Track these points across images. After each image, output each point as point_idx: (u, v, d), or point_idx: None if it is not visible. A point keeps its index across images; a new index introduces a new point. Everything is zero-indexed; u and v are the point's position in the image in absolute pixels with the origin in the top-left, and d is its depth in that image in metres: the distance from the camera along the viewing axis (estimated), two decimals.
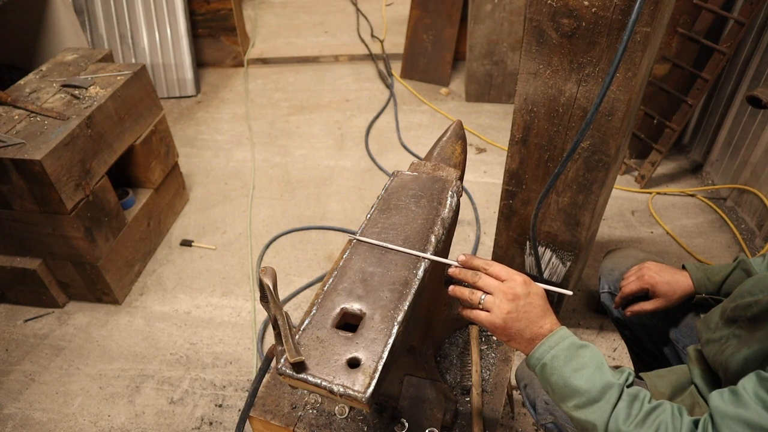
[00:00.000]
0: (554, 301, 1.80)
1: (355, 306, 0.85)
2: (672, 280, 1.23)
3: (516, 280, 0.86)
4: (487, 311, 0.85)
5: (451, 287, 0.90)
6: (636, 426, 0.77)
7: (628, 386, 0.83)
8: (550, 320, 0.86)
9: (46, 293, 2.13)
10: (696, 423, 0.77)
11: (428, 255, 0.92)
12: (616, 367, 0.87)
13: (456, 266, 0.90)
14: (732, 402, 0.75)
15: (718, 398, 0.78)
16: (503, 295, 0.84)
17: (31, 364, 1.99)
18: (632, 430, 0.77)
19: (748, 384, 0.76)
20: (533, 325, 0.85)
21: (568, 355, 0.83)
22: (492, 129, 3.18)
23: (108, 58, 2.38)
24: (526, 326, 0.84)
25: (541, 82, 1.34)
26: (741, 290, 1.01)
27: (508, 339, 0.86)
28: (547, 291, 0.90)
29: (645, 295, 1.28)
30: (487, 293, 0.85)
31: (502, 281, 0.86)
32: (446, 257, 1.13)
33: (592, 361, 0.83)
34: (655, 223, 2.47)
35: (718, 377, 1.01)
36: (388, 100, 3.47)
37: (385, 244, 0.94)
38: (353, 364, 0.78)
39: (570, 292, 0.89)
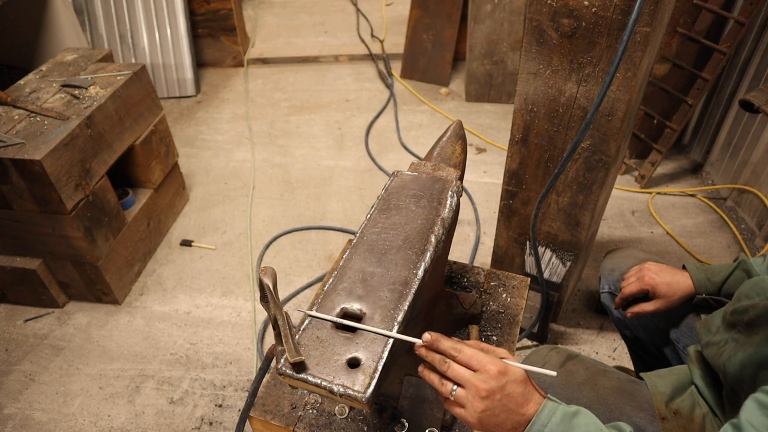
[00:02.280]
0: (554, 301, 1.80)
1: (355, 306, 0.85)
2: (672, 281, 1.23)
3: (489, 371, 0.74)
4: (460, 406, 0.75)
5: (420, 368, 0.80)
6: None
7: None
8: (534, 401, 0.76)
9: (46, 293, 2.13)
10: None
11: (392, 333, 0.79)
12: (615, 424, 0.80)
13: (420, 344, 0.78)
14: None
15: None
16: (476, 391, 0.73)
17: (31, 364, 1.99)
18: None
19: (752, 416, 0.73)
20: (514, 414, 0.74)
21: (565, 429, 0.74)
22: (492, 129, 3.18)
23: (108, 58, 2.38)
24: (506, 418, 0.74)
25: (541, 82, 1.34)
26: (739, 293, 1.01)
27: (489, 431, 0.76)
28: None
29: (645, 295, 1.28)
30: (459, 385, 0.75)
31: (475, 371, 0.74)
32: (446, 257, 1.13)
33: (590, 429, 0.75)
34: (655, 223, 2.47)
35: (719, 378, 1.01)
36: (388, 100, 3.47)
37: (335, 320, 0.82)
38: (353, 364, 0.78)
39: (554, 373, 0.77)
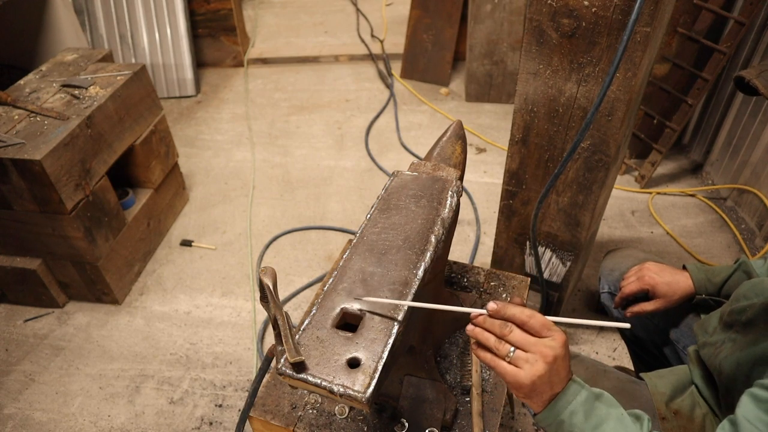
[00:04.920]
0: (554, 301, 1.80)
1: (355, 306, 0.85)
2: (672, 281, 1.23)
3: (558, 339, 0.75)
4: (515, 366, 0.75)
5: (470, 327, 0.80)
6: None
7: None
8: (569, 372, 0.79)
9: (46, 293, 2.13)
10: None
11: (452, 307, 0.83)
12: (633, 411, 0.81)
13: (482, 314, 0.79)
14: None
15: None
16: (541, 356, 0.74)
17: (31, 364, 1.99)
18: None
19: (747, 411, 0.74)
20: (555, 386, 0.77)
21: (587, 409, 0.76)
22: (492, 129, 3.18)
23: (108, 58, 2.38)
24: (549, 387, 0.76)
25: (541, 82, 1.34)
26: (737, 294, 1.01)
27: (525, 397, 0.77)
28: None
29: (645, 295, 1.28)
30: (519, 348, 0.75)
31: (541, 337, 0.75)
32: (446, 257, 1.13)
33: (611, 413, 0.77)
34: (655, 223, 2.47)
35: None
36: (388, 100, 3.47)
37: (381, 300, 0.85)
38: (353, 364, 0.78)
39: (628, 325, 0.76)
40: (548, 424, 0.78)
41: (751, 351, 0.88)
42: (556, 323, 0.77)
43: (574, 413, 0.76)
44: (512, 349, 0.75)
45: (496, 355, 0.77)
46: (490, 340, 0.77)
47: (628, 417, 0.77)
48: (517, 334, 0.75)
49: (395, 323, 0.82)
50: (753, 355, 0.87)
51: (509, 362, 0.75)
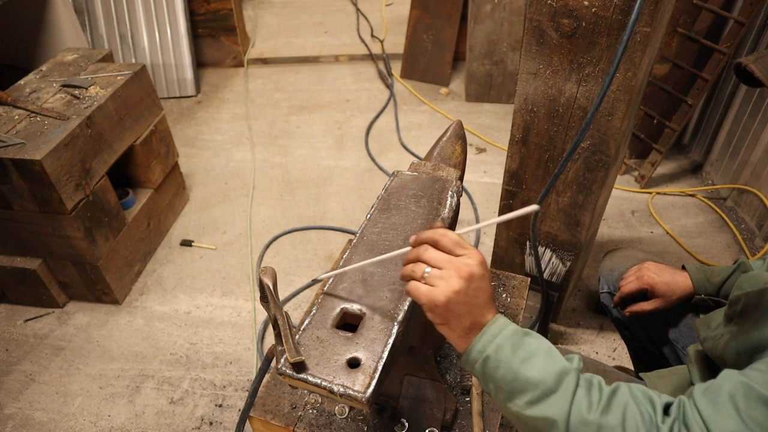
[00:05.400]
0: (554, 301, 1.80)
1: (355, 306, 0.85)
2: (671, 281, 1.23)
3: (474, 257, 0.72)
4: (430, 285, 0.72)
5: (401, 273, 0.78)
6: (602, 413, 0.67)
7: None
8: (492, 310, 0.75)
9: (46, 293, 2.13)
10: (666, 408, 0.69)
11: (383, 256, 0.85)
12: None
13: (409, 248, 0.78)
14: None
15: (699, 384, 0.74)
16: (456, 271, 0.71)
17: (31, 364, 1.99)
18: (598, 419, 0.67)
19: (727, 374, 0.73)
20: (476, 312, 0.73)
21: (515, 343, 0.72)
22: (492, 129, 3.18)
23: (108, 58, 2.38)
24: (468, 312, 0.72)
25: (541, 82, 1.34)
26: (734, 288, 1.01)
27: (443, 322, 0.74)
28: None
29: (644, 295, 1.28)
30: (435, 267, 0.73)
31: (457, 255, 0.73)
32: None
33: (541, 347, 0.73)
34: (655, 223, 2.47)
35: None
36: (388, 100, 3.47)
37: (351, 267, 0.89)
38: (353, 364, 0.78)
39: (537, 207, 0.75)
40: (474, 361, 0.74)
41: (748, 338, 0.88)
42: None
43: (500, 347, 0.72)
44: (427, 269, 0.73)
45: (413, 279, 0.74)
46: (408, 267, 0.76)
47: (558, 352, 0.74)
48: (431, 253, 0.73)
49: (395, 323, 0.82)
50: (750, 342, 0.88)
51: (425, 283, 0.73)
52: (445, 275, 0.71)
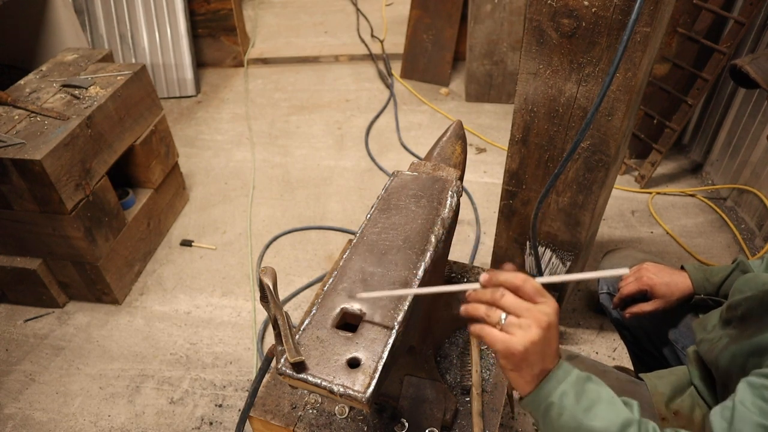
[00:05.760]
0: (556, 297, 1.80)
1: (355, 306, 0.85)
2: (671, 281, 1.23)
3: (552, 306, 0.71)
4: (507, 333, 0.71)
5: (463, 307, 0.75)
6: None
7: None
8: (558, 354, 0.75)
9: (46, 293, 2.13)
10: None
11: (444, 287, 0.80)
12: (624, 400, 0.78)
13: (477, 288, 0.75)
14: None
15: (719, 419, 0.74)
16: (535, 321, 0.70)
17: (31, 364, 1.99)
18: None
19: (743, 396, 0.73)
20: (548, 359, 0.72)
21: (578, 390, 0.73)
22: (492, 129, 3.18)
23: (108, 58, 2.38)
24: (540, 360, 0.72)
25: (541, 82, 1.34)
26: (733, 290, 1.01)
27: (514, 369, 0.73)
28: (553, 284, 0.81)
29: (644, 296, 1.28)
30: (513, 314, 0.71)
31: (535, 303, 0.72)
32: (446, 257, 1.13)
33: (602, 395, 0.73)
34: (655, 223, 2.47)
35: None
36: (388, 100, 3.47)
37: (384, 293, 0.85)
38: (353, 364, 0.78)
39: (626, 270, 0.72)
40: (537, 405, 0.74)
41: (746, 343, 0.88)
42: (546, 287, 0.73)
43: (564, 394, 0.72)
44: (504, 315, 0.71)
45: (486, 323, 0.72)
46: (480, 309, 0.73)
47: (619, 400, 0.75)
48: (509, 299, 0.71)
49: (395, 323, 0.82)
50: (748, 347, 0.88)
51: (500, 329, 0.71)
52: (524, 324, 0.70)
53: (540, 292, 0.72)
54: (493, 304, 0.73)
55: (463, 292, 0.77)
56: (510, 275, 0.73)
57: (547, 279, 0.74)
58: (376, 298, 0.85)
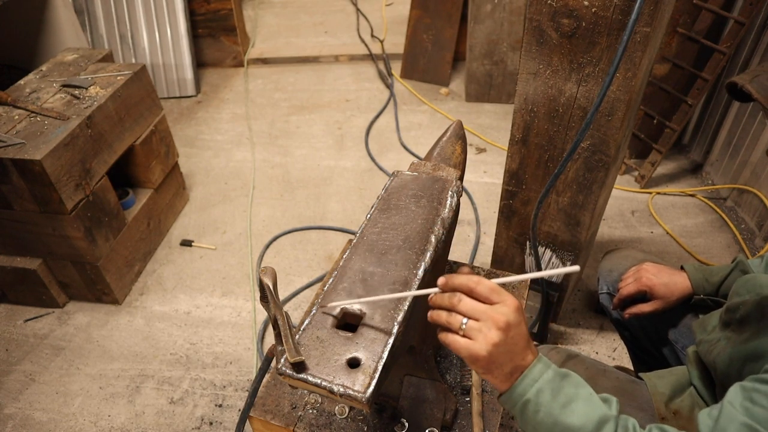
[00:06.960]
0: (554, 301, 1.80)
1: (355, 306, 0.85)
2: (670, 282, 1.23)
3: (509, 304, 0.71)
4: (469, 338, 0.71)
5: (429, 313, 0.76)
6: None
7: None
8: (532, 351, 0.75)
9: (46, 293, 2.13)
10: None
11: (407, 293, 0.83)
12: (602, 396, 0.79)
13: (437, 292, 0.76)
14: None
15: (706, 417, 0.75)
16: (492, 322, 0.70)
17: (31, 364, 1.99)
18: None
19: (733, 398, 0.73)
20: (516, 358, 0.73)
21: (555, 387, 0.73)
22: (492, 129, 3.18)
23: (108, 58, 2.38)
24: (509, 359, 0.72)
25: (541, 82, 1.34)
26: (732, 292, 1.01)
27: (485, 372, 0.73)
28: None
29: (643, 296, 1.28)
30: (471, 318, 0.72)
31: (492, 304, 0.72)
32: (446, 257, 1.13)
33: (580, 392, 0.74)
34: (655, 223, 2.47)
35: None
36: (388, 100, 3.47)
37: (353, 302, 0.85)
38: (353, 364, 0.78)
39: (577, 268, 0.73)
40: (514, 404, 0.75)
41: (743, 348, 0.88)
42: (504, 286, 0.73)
43: (540, 391, 0.73)
44: (464, 321, 0.71)
45: (450, 330, 0.73)
46: (442, 316, 0.73)
47: (597, 397, 0.75)
48: (466, 303, 0.72)
49: (395, 323, 0.82)
50: (744, 351, 0.88)
51: (463, 335, 0.72)
52: (483, 327, 0.70)
53: (495, 291, 0.72)
54: (452, 309, 0.73)
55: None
56: (464, 278, 0.73)
57: (500, 279, 0.75)
58: (353, 304, 0.85)
